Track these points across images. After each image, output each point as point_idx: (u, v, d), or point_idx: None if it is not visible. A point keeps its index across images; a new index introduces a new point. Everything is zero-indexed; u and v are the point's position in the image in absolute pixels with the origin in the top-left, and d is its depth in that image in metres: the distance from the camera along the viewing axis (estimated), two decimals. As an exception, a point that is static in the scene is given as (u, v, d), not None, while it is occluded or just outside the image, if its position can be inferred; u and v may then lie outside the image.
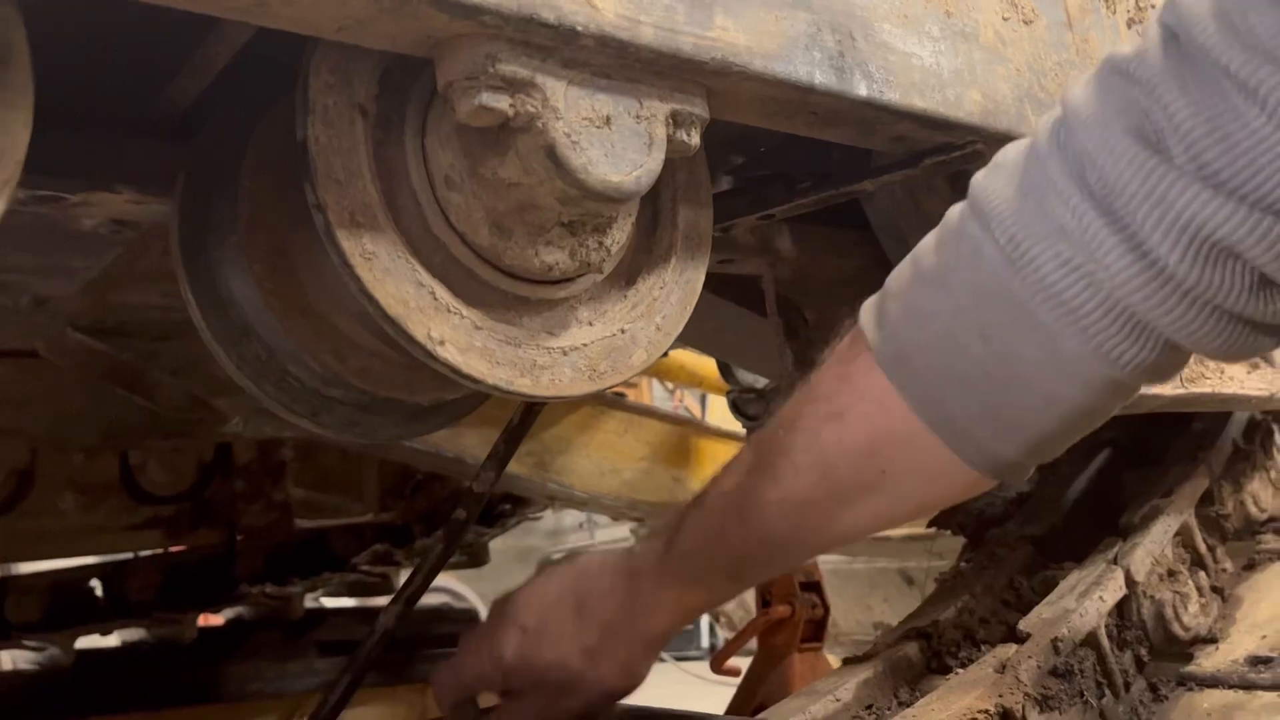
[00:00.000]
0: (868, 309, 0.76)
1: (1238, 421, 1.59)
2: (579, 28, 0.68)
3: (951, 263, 0.70)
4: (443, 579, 5.12)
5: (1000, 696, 0.90)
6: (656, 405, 4.25)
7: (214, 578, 2.56)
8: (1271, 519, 1.47)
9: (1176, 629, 1.12)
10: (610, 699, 0.91)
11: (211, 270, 0.86)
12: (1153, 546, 1.20)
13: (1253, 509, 1.47)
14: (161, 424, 1.91)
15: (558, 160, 0.70)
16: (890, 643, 1.13)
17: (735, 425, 2.63)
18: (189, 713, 2.41)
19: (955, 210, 0.72)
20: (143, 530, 2.40)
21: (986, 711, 0.88)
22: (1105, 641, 1.04)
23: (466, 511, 1.26)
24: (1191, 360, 0.74)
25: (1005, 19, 0.96)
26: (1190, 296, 0.62)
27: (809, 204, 1.06)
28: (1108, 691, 1.01)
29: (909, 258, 0.75)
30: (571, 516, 6.85)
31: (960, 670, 1.03)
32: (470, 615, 3.26)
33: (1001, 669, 0.95)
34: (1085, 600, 1.06)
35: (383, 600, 2.44)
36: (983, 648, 1.10)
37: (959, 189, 1.30)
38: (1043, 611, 1.06)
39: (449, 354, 0.74)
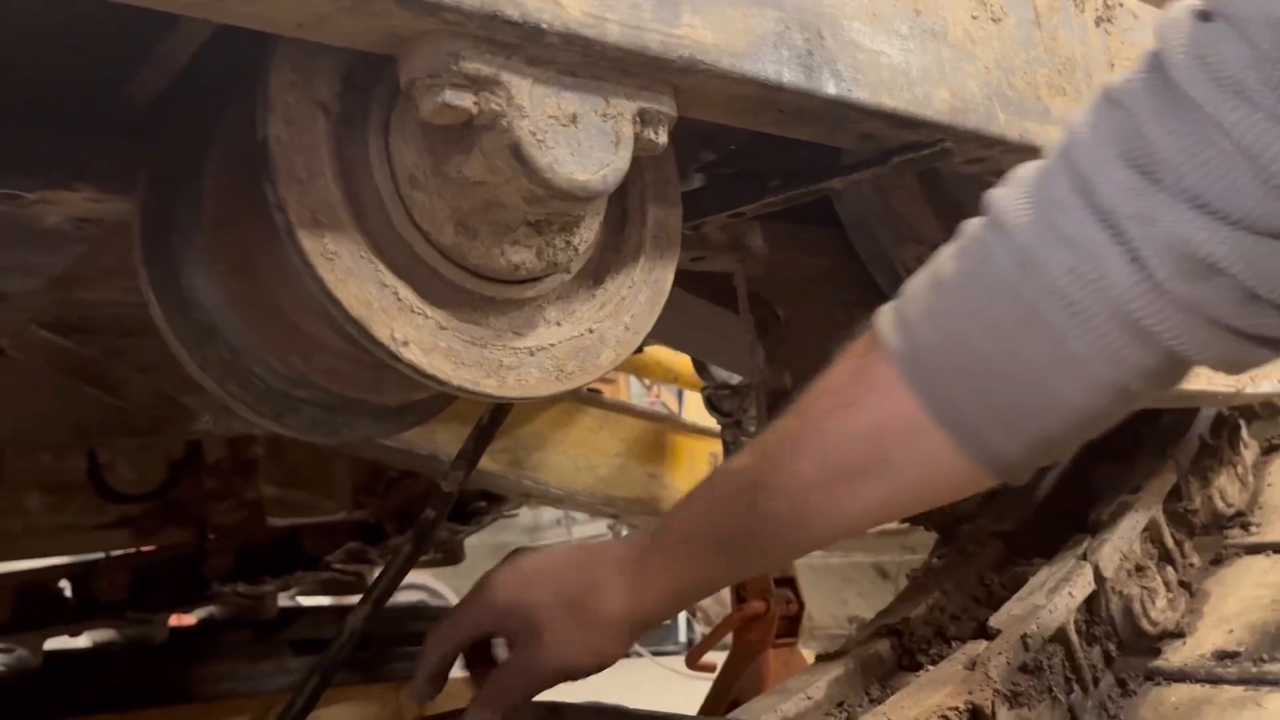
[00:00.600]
0: (883, 311, 0.79)
1: (1205, 417, 1.60)
2: (544, 25, 0.67)
3: (967, 268, 0.74)
4: (418, 576, 5.10)
5: (970, 693, 0.90)
6: (633, 401, 4.25)
7: (185, 577, 2.55)
8: (1238, 514, 1.48)
9: (1144, 624, 1.13)
10: (570, 674, 0.89)
11: (175, 270, 0.85)
12: (1121, 542, 1.21)
13: (1220, 504, 1.49)
14: (130, 422, 1.89)
15: (523, 159, 0.69)
16: (862, 640, 1.13)
17: (712, 421, 2.64)
18: (160, 713, 2.39)
19: (973, 222, 0.76)
20: (112, 529, 2.38)
21: (956, 708, 0.89)
22: (1074, 637, 1.04)
23: (435, 511, 1.25)
24: None
25: (974, 17, 0.96)
26: (1184, 309, 0.67)
27: (779, 202, 1.06)
28: (1076, 687, 1.02)
29: (927, 266, 0.78)
30: (548, 513, 6.85)
31: (931, 667, 1.03)
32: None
33: (971, 666, 0.95)
34: (1054, 596, 1.07)
35: (356, 598, 2.43)
36: (953, 644, 1.10)
37: (928, 186, 1.31)
38: (1012, 608, 1.07)
39: (413, 355, 0.74)
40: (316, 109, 0.72)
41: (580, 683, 0.90)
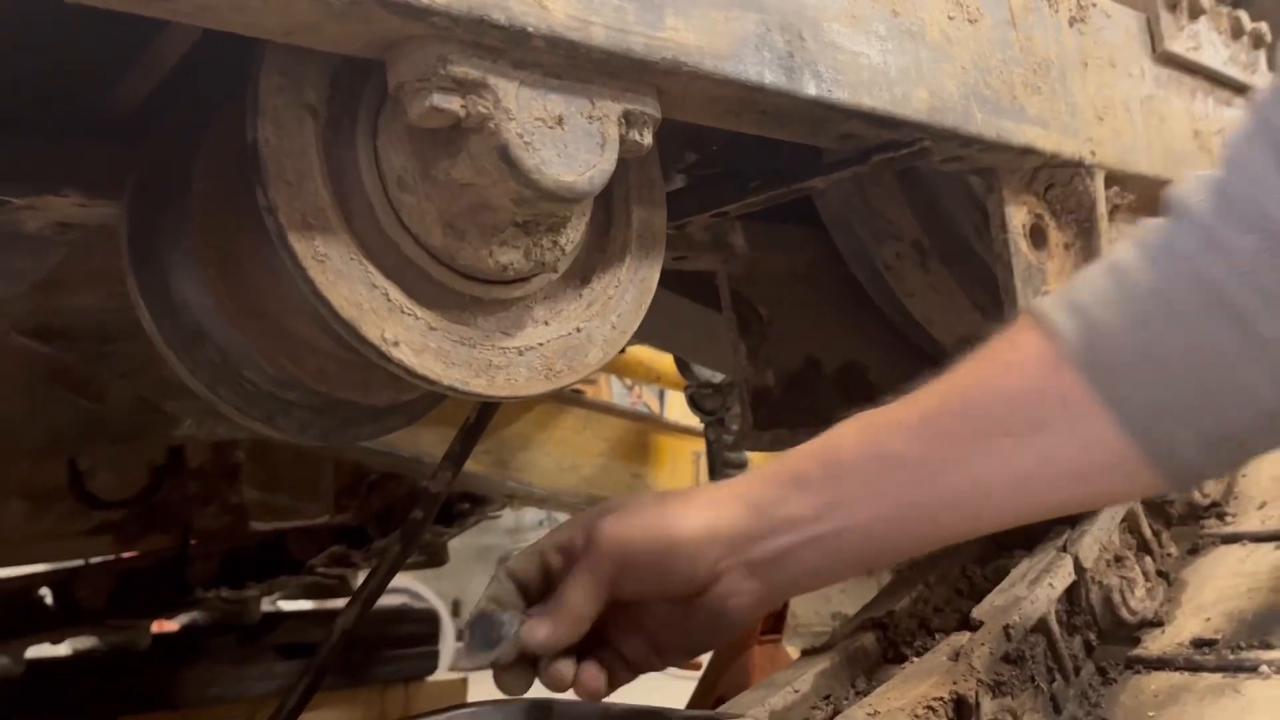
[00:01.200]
0: (1043, 302, 0.73)
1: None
2: (530, 29, 0.68)
3: (1146, 253, 0.69)
4: (402, 579, 5.09)
5: (954, 684, 0.91)
6: (615, 402, 4.25)
7: (168, 583, 2.53)
8: (1214, 504, 1.50)
9: (1124, 613, 1.14)
10: (627, 548, 0.79)
11: (163, 275, 0.85)
12: (1100, 533, 1.22)
13: (1196, 494, 1.50)
14: (111, 427, 1.88)
15: (511, 161, 0.70)
16: (847, 634, 1.14)
17: (694, 420, 2.65)
18: (145, 721, 2.38)
19: (1149, 220, 0.71)
20: (93, 536, 2.36)
21: (941, 699, 0.90)
22: (1055, 627, 1.06)
23: (423, 511, 1.25)
24: None
25: (951, 18, 0.98)
26: None
27: (760, 201, 1.07)
28: (1058, 676, 1.03)
29: (1101, 260, 0.73)
30: (531, 514, 6.83)
31: (916, 659, 1.05)
32: (430, 615, 3.24)
33: (955, 657, 0.96)
34: (1036, 587, 1.08)
35: (341, 602, 2.42)
36: (937, 636, 1.11)
37: (907, 185, 1.32)
38: (995, 599, 1.08)
39: (403, 355, 0.74)
40: (305, 112, 0.73)
41: None
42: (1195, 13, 1.27)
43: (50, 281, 1.18)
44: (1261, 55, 1.40)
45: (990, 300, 1.24)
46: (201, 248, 0.82)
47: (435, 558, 2.95)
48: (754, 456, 2.46)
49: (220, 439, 2.28)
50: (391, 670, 2.84)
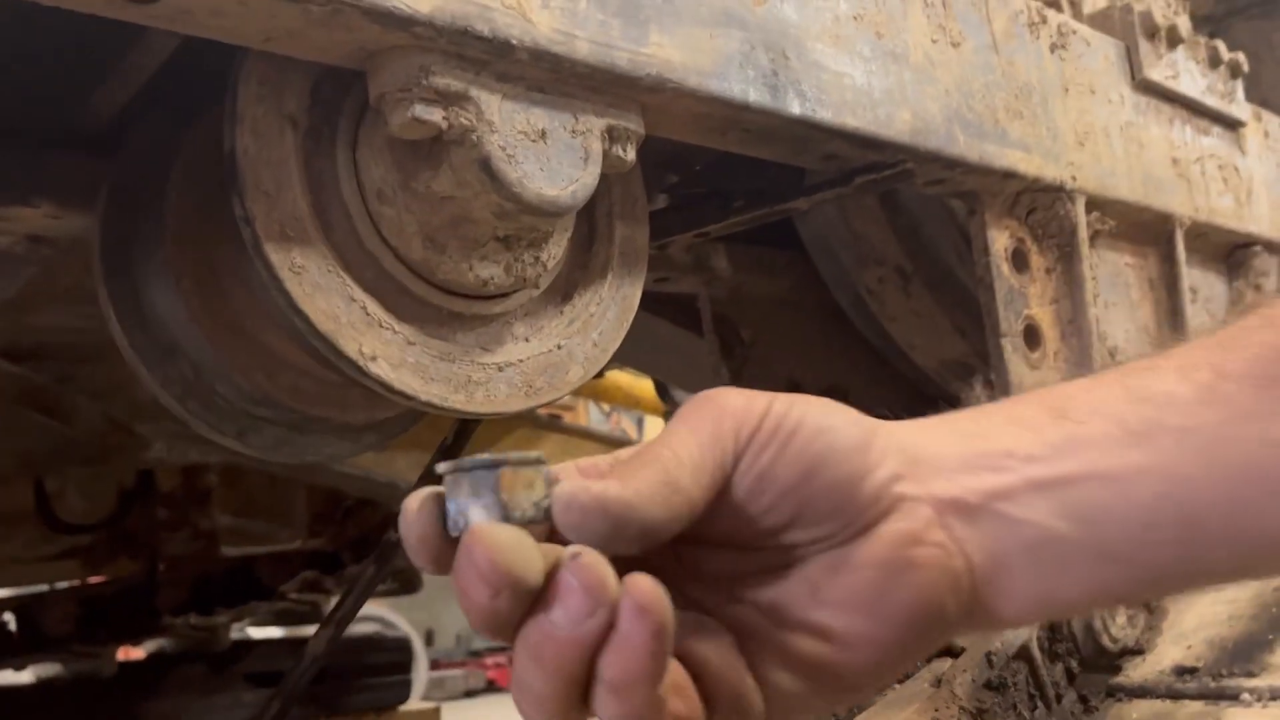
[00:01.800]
0: None
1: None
2: (514, 41, 0.67)
3: None
4: (374, 607, 5.03)
5: (936, 711, 0.90)
6: (593, 427, 4.24)
7: (135, 609, 2.48)
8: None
9: (1105, 641, 1.14)
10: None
11: (135, 286, 0.84)
12: (1081, 560, 1.22)
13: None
14: (80, 450, 1.85)
15: (493, 173, 0.69)
16: (827, 660, 1.13)
17: (671, 447, 2.64)
18: (109, 750, 2.32)
19: None
20: (59, 560, 2.32)
21: (923, 726, 0.89)
22: (1037, 654, 1.05)
23: (398, 533, 1.23)
24: None
25: (934, 41, 0.98)
26: None
27: (743, 222, 1.07)
28: (1040, 704, 1.02)
29: None
30: (506, 542, 6.77)
31: (898, 685, 1.03)
32: (402, 643, 3.20)
33: (937, 683, 0.95)
34: (1017, 614, 1.07)
35: (312, 629, 2.39)
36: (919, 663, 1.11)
37: (889, 208, 1.33)
38: (976, 625, 1.07)
39: (381, 370, 0.73)
40: (285, 122, 0.72)
41: None
42: (1173, 42, 1.29)
43: (20, 301, 1.16)
44: (1239, 85, 1.42)
45: (972, 324, 1.24)
46: (176, 258, 0.81)
47: (408, 585, 2.91)
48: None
49: (192, 462, 2.25)
50: (363, 699, 2.79)
